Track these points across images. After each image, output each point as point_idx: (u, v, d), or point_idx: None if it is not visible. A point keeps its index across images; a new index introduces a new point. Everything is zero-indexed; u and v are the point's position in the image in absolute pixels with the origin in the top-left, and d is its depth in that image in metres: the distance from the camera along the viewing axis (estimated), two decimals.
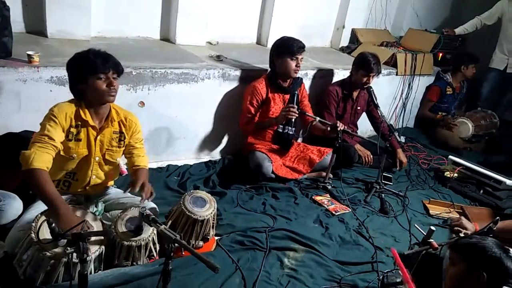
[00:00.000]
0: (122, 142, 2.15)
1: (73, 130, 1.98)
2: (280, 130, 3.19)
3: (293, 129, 3.24)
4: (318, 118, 3.08)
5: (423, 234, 2.14)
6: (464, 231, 2.20)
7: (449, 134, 4.48)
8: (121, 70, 2.01)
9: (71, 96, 2.06)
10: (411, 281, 1.73)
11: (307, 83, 3.70)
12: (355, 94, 3.62)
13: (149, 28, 3.65)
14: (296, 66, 3.07)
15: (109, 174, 2.21)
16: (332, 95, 3.53)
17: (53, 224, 1.64)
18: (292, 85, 3.19)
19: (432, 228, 2.09)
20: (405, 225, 2.91)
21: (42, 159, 1.79)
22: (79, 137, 2.00)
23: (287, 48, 3.02)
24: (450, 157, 3.79)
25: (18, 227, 1.89)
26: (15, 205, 2.03)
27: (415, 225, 2.55)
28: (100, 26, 3.35)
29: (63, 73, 2.55)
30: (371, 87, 3.38)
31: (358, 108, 3.68)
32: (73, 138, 1.99)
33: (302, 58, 3.09)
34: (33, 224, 1.76)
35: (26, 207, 2.05)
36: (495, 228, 2.07)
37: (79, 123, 1.99)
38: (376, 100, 3.33)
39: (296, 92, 3.19)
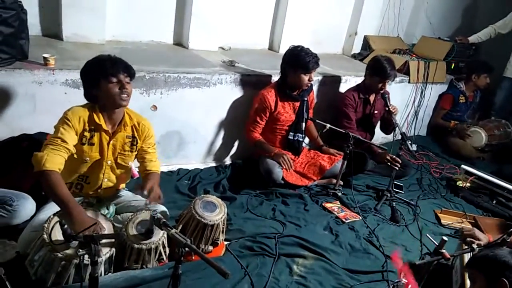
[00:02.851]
0: (135, 147, 2.17)
1: (86, 134, 1.99)
2: (291, 138, 3.19)
3: (303, 136, 3.25)
4: (328, 125, 3.06)
5: (435, 244, 2.12)
6: (477, 242, 2.17)
7: (462, 143, 4.43)
8: (133, 73, 2.02)
9: (86, 99, 2.08)
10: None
11: (319, 89, 3.70)
12: (371, 98, 3.58)
13: (163, 33, 3.68)
14: (308, 80, 3.05)
15: (121, 177, 2.23)
16: (349, 101, 3.47)
17: (66, 226, 1.66)
18: (302, 93, 3.17)
19: (445, 238, 2.07)
20: (416, 235, 2.88)
21: (54, 161, 1.81)
22: (93, 141, 2.02)
23: (303, 64, 2.96)
24: (463, 166, 3.75)
25: (30, 227, 1.91)
26: (28, 205, 2.05)
27: (427, 234, 2.53)
28: (115, 30, 3.39)
29: (77, 76, 2.55)
30: (386, 92, 3.35)
31: (376, 112, 3.62)
32: (87, 142, 2.01)
33: (315, 71, 3.08)
34: (46, 225, 1.78)
35: (39, 208, 2.07)
36: (509, 240, 2.04)
37: (93, 127, 2.01)
38: (388, 105, 3.30)
39: (306, 99, 3.19)
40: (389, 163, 3.19)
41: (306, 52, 3.00)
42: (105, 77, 1.93)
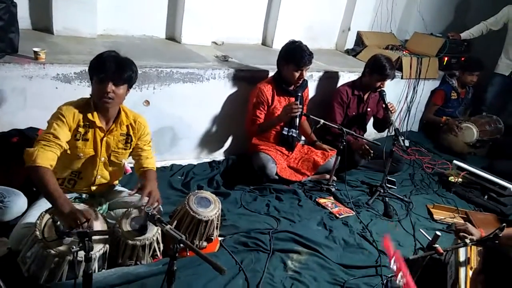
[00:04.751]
0: (129, 145, 2.15)
1: (81, 129, 1.97)
2: (285, 133, 3.18)
3: (297, 131, 3.24)
4: (322, 121, 3.06)
5: (428, 239, 2.13)
6: (470, 237, 2.18)
7: (454, 139, 4.47)
8: (125, 78, 1.93)
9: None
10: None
11: (312, 84, 3.70)
12: (365, 96, 3.59)
13: (155, 27, 3.64)
14: (299, 77, 3.04)
15: (114, 174, 2.21)
16: (342, 97, 3.48)
17: (58, 222, 1.64)
18: (297, 88, 3.17)
19: (438, 233, 2.08)
20: (409, 229, 2.90)
21: (45, 156, 1.79)
22: (87, 137, 1.99)
23: (295, 59, 2.96)
24: (455, 162, 3.78)
25: (22, 224, 1.88)
26: (19, 202, 2.03)
27: (420, 229, 2.53)
28: (106, 24, 3.35)
29: (68, 70, 2.55)
30: (383, 91, 3.36)
31: (368, 109, 3.63)
32: (81, 137, 1.98)
33: (307, 68, 3.07)
34: (38, 221, 1.75)
35: (31, 204, 2.05)
36: (501, 235, 2.05)
37: (87, 123, 1.98)
38: (386, 103, 3.31)
39: (301, 94, 3.18)
40: (360, 152, 3.27)
41: (302, 49, 2.99)
42: (94, 75, 1.92)
